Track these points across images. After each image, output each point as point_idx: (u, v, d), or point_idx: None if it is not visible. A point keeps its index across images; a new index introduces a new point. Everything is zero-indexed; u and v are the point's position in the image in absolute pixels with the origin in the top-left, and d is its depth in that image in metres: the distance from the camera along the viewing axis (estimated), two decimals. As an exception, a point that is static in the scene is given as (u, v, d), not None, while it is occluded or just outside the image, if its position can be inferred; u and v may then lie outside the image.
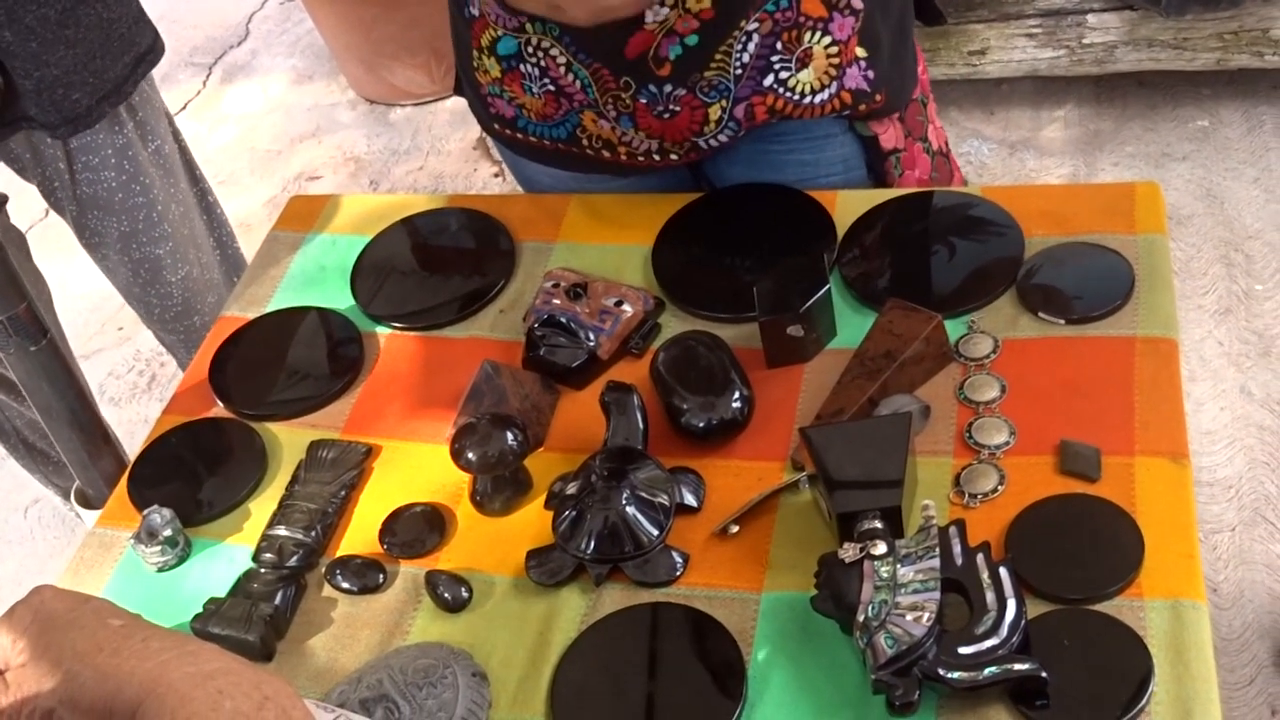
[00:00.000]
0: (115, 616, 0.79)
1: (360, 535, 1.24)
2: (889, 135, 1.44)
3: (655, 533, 1.15)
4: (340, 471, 1.28)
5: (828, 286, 1.27)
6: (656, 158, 1.42)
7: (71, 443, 1.47)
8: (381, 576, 1.19)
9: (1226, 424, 2.35)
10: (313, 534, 1.22)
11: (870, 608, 1.00)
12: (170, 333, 2.08)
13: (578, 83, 1.36)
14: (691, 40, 1.31)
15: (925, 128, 1.49)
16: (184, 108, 3.72)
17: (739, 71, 1.33)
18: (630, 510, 1.15)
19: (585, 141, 1.44)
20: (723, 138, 1.39)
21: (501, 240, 1.49)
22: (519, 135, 1.49)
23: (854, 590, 1.01)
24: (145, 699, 0.73)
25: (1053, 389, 1.20)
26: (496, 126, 1.51)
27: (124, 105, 1.83)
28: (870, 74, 1.38)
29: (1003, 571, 1.01)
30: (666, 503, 1.16)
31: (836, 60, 1.36)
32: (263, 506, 1.28)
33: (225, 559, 1.24)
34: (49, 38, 1.69)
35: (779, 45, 1.34)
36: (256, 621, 1.14)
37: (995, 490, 1.13)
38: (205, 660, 0.77)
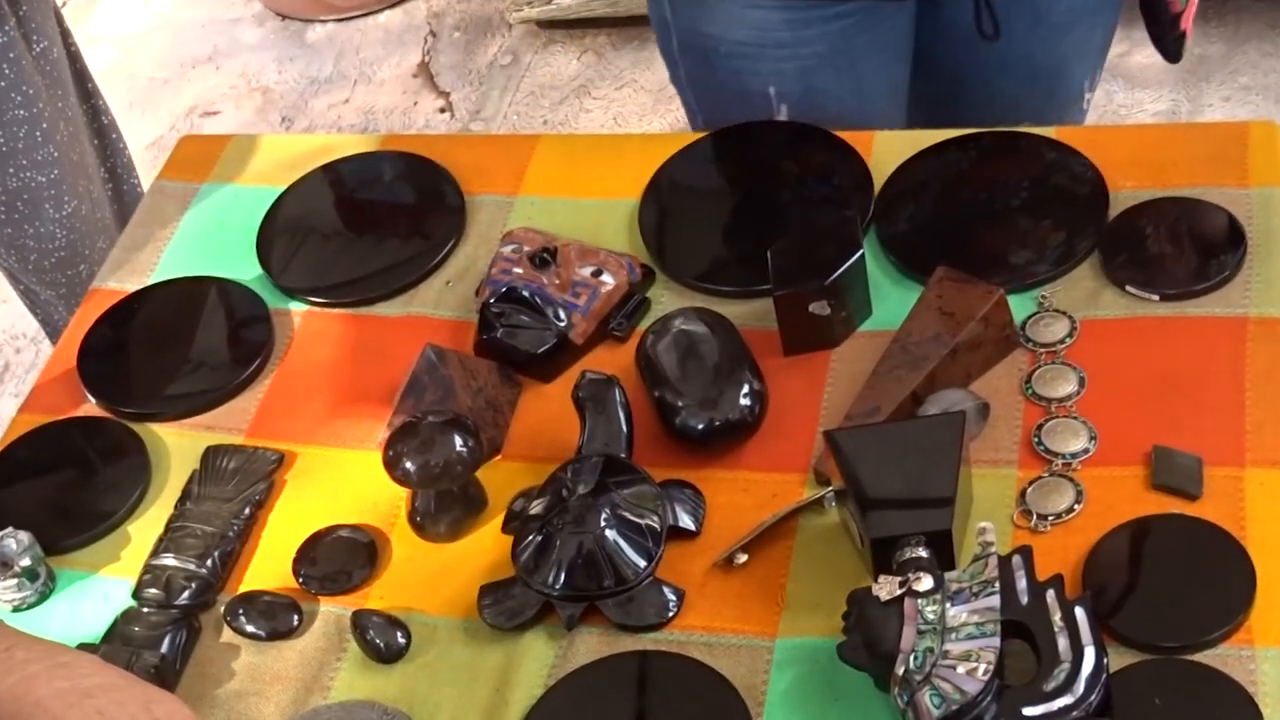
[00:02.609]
0: None
1: (269, 566, 1.24)
2: None
3: (642, 563, 1.15)
4: (244, 485, 1.28)
5: (861, 252, 1.28)
6: None
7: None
8: (296, 618, 1.19)
9: (1364, 427, 2.36)
10: (209, 564, 1.22)
11: (913, 658, 1.00)
12: (48, 285, 2.08)
13: None
14: None
15: None
16: (45, 23, 3.71)
17: None
18: (610, 535, 1.15)
19: None
20: None
21: (448, 193, 1.50)
22: None
23: (892, 635, 1.02)
24: None
25: (1143, 383, 1.20)
26: None
27: None
28: None
29: (1079, 612, 1.02)
30: (656, 525, 1.17)
31: None
32: (145, 529, 1.28)
33: (98, 595, 1.25)
34: None
35: None
36: (138, 673, 1.12)
37: (1071, 510, 1.13)
38: (82, 674, 0.77)
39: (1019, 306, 1.27)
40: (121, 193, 2.13)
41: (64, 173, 1.95)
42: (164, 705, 0.76)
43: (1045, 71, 1.61)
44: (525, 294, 1.33)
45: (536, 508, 1.19)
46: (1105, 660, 0.99)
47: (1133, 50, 2.99)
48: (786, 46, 1.53)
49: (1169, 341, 1.23)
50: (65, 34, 2.00)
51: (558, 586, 1.14)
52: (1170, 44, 1.56)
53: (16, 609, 1.24)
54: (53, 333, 2.22)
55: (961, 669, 0.99)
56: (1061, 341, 1.24)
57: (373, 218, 1.52)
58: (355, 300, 1.43)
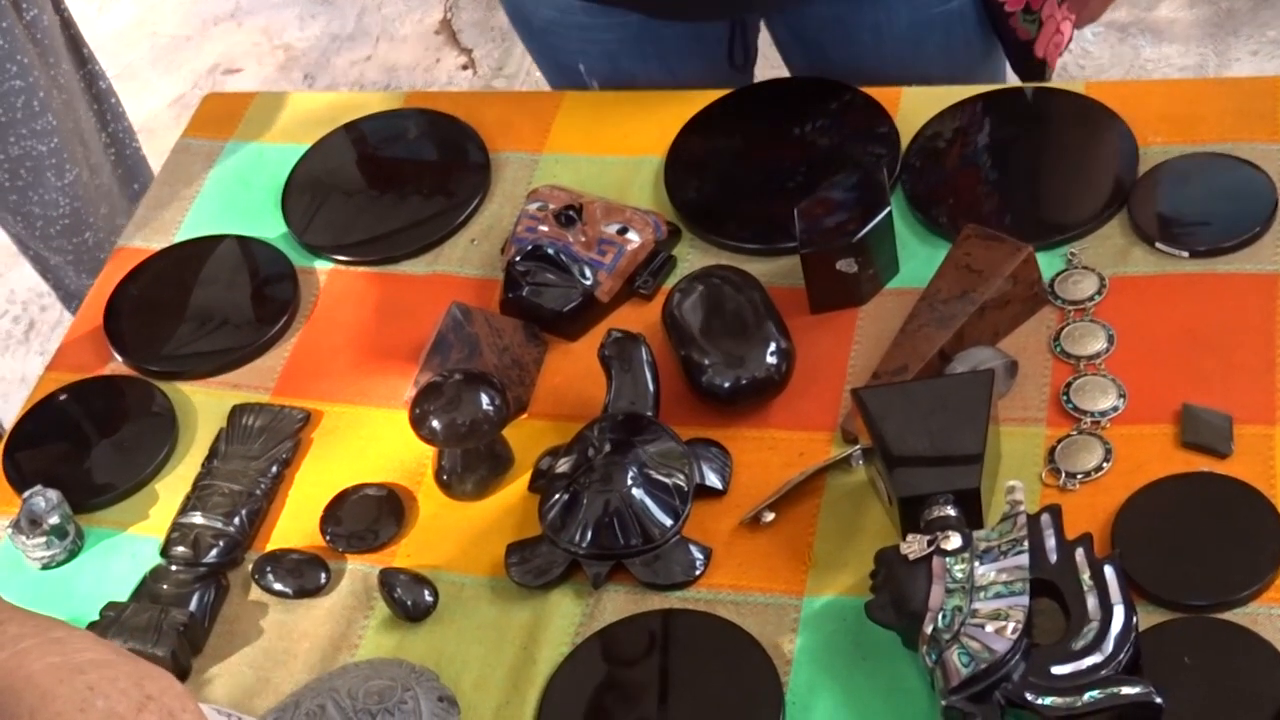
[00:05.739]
0: None
1: (296, 524, 1.24)
2: None
3: (669, 522, 1.15)
4: (270, 444, 1.28)
5: (888, 209, 1.27)
6: None
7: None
8: (323, 576, 1.19)
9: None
10: (236, 522, 1.23)
11: (941, 616, 1.00)
12: (55, 251, 2.09)
13: None
14: None
15: None
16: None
17: None
18: (637, 493, 1.15)
19: None
20: None
21: (473, 150, 1.49)
22: None
23: (920, 594, 1.02)
24: None
25: (1173, 340, 1.20)
26: None
27: None
28: None
29: (1108, 571, 1.01)
30: (683, 484, 1.17)
31: None
32: (173, 488, 1.29)
33: (127, 553, 1.25)
34: None
35: None
36: (167, 632, 1.15)
37: (1100, 468, 1.13)
38: (75, 650, 0.78)
39: (1047, 264, 1.26)
40: (124, 158, 2.14)
41: (63, 141, 1.96)
42: (156, 682, 0.77)
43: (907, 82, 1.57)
44: (551, 252, 1.33)
45: (563, 466, 1.19)
46: (1134, 619, 0.99)
47: (1159, 3, 2.97)
48: (588, 30, 1.55)
49: (1199, 299, 1.22)
50: (56, 1, 2.00)
51: (584, 545, 1.14)
52: (1026, 70, 1.55)
53: (45, 567, 1.25)
54: (65, 297, 2.23)
55: (990, 628, 0.98)
56: (1090, 299, 1.24)
57: (397, 175, 1.52)
58: (380, 258, 1.43)
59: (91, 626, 1.16)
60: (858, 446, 1.17)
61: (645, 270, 1.34)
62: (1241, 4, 2.94)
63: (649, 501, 1.15)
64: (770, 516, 1.16)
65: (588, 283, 1.32)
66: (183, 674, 1.15)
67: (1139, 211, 1.28)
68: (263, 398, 1.33)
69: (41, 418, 1.36)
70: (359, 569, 1.20)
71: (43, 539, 1.23)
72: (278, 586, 1.19)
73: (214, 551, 1.21)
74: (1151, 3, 2.98)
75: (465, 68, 3.23)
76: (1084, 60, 2.90)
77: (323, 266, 1.44)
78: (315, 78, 3.31)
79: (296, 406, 1.31)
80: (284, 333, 1.38)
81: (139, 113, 3.21)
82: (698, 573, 1.14)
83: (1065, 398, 1.18)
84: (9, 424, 1.37)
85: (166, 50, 3.48)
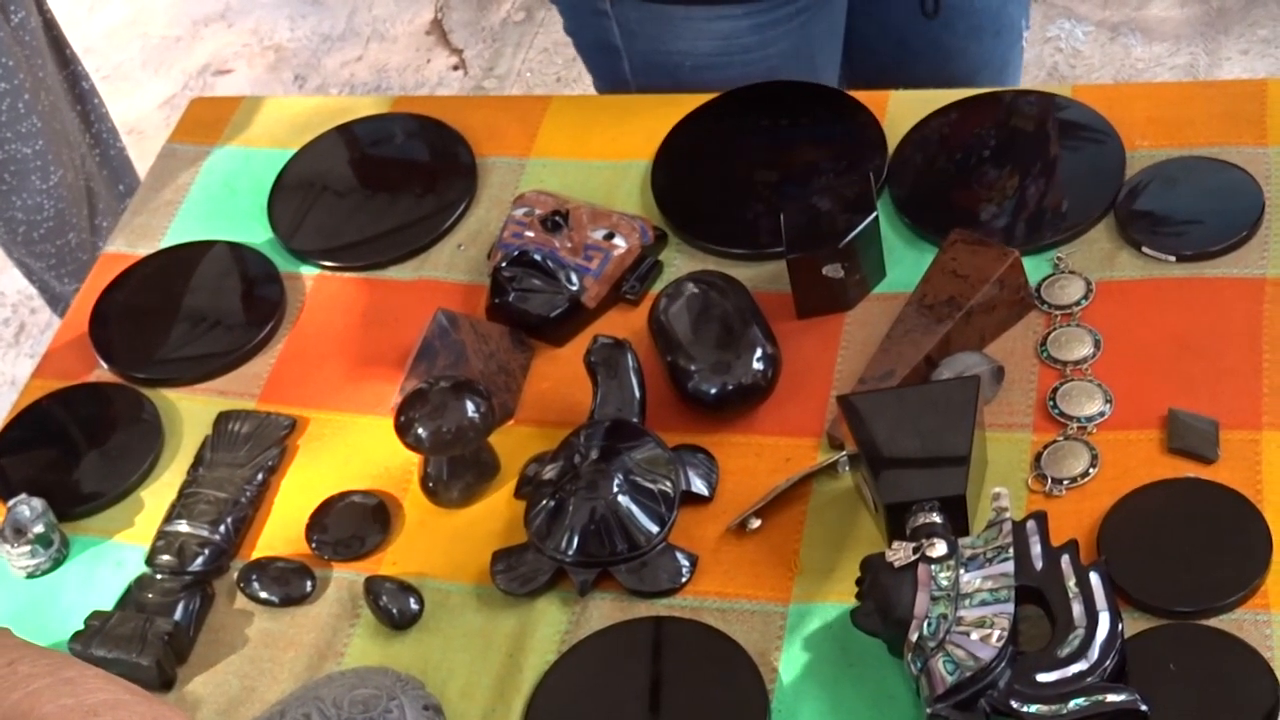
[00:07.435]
0: None
1: (282, 532, 1.24)
2: None
3: (655, 529, 1.15)
4: (256, 451, 1.28)
5: (875, 214, 1.27)
6: None
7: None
8: (309, 584, 1.19)
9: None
10: (222, 530, 1.23)
11: (926, 624, 1.00)
12: (37, 257, 2.09)
13: None
14: None
15: None
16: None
17: None
18: (623, 500, 1.15)
19: None
20: None
21: (461, 154, 1.49)
22: None
23: (906, 601, 1.02)
24: None
25: (1160, 345, 1.20)
26: None
27: None
28: None
29: (1094, 578, 1.01)
30: (669, 490, 1.17)
31: None
32: (158, 495, 1.28)
33: (112, 562, 1.25)
34: None
35: None
36: (152, 641, 1.14)
37: (1086, 474, 1.13)
38: (87, 690, 0.77)
39: (1034, 268, 1.26)
40: (109, 158, 2.14)
41: (48, 143, 1.96)
42: None
43: (988, 18, 1.61)
44: (537, 257, 1.32)
45: (549, 473, 1.18)
46: (1120, 626, 0.99)
47: (1150, 2, 2.97)
48: (753, 50, 1.54)
49: (1186, 303, 1.22)
50: (40, 2, 2.00)
51: (570, 552, 1.14)
52: None
53: (30, 575, 1.24)
54: (52, 300, 2.23)
55: (975, 635, 0.98)
56: (1077, 303, 1.24)
57: (384, 181, 1.52)
58: (366, 264, 1.42)
59: (76, 636, 1.16)
60: (844, 452, 1.17)
61: (632, 275, 1.34)
62: (1232, 3, 2.94)
63: (635, 508, 1.15)
64: (757, 523, 1.16)
65: (574, 288, 1.32)
66: (168, 683, 1.15)
67: (1126, 216, 1.28)
68: (249, 405, 1.33)
69: (27, 425, 1.35)
70: (345, 577, 1.20)
71: (27, 548, 1.23)
72: (263, 595, 1.19)
73: (199, 560, 1.21)
74: (1142, 1, 2.98)
75: (456, 68, 3.23)
76: (1074, 60, 2.90)
77: (309, 272, 1.44)
78: (306, 78, 3.31)
79: (282, 413, 1.31)
80: (270, 339, 1.38)
81: (129, 113, 3.21)
82: (684, 580, 1.14)
83: (1051, 403, 1.17)
84: (-2, 428, 1.37)
85: (157, 50, 3.47)
